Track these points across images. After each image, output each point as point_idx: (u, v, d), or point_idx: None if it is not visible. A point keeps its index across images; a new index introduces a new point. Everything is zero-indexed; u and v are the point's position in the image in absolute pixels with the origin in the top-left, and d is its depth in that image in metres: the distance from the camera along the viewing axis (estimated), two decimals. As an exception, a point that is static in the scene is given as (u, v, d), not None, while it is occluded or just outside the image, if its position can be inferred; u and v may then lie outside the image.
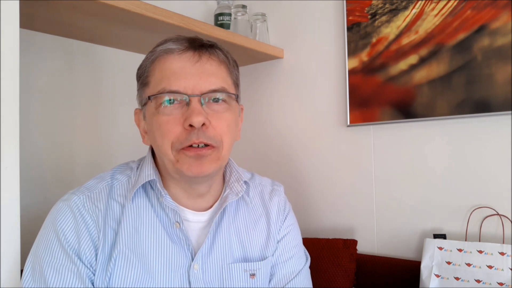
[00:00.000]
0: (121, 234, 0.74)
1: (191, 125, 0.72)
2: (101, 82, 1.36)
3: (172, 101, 0.74)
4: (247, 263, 0.82)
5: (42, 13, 1.06)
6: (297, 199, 1.49)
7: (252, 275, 0.82)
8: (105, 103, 1.36)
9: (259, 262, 0.83)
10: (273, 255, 0.87)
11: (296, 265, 0.89)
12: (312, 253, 0.97)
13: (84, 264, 0.72)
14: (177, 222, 0.77)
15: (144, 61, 0.80)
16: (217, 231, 0.81)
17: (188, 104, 0.73)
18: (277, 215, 0.90)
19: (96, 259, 0.73)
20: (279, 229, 0.90)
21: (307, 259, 0.94)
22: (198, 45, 0.77)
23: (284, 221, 0.91)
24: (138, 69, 0.81)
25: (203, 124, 0.72)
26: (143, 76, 0.79)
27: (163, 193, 0.77)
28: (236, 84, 0.83)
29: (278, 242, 0.89)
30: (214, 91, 0.75)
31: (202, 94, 0.74)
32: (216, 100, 0.76)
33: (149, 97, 0.75)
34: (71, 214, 0.74)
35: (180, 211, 0.79)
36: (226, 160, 0.80)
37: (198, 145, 0.73)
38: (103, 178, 0.80)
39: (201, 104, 0.73)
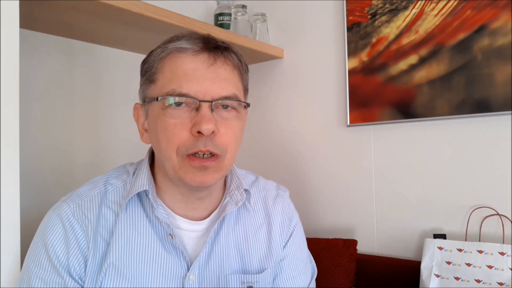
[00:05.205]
0: (113, 245, 0.72)
1: (199, 132, 0.69)
2: (101, 82, 1.36)
3: (180, 103, 0.70)
4: (245, 275, 0.79)
5: (42, 13, 1.06)
6: (297, 199, 1.47)
7: (250, 287, 0.79)
8: (105, 103, 1.36)
9: (258, 275, 0.80)
10: (272, 267, 0.84)
11: (302, 283, 0.87)
12: (312, 253, 0.97)
13: (73, 278, 0.71)
14: (170, 234, 0.74)
15: (151, 56, 0.75)
16: (215, 241, 0.78)
17: (197, 109, 0.70)
18: (281, 228, 0.87)
19: (85, 271, 0.71)
20: (284, 245, 0.87)
21: (313, 275, 0.92)
22: (212, 46, 0.73)
23: (290, 238, 0.88)
24: (144, 63, 0.76)
25: (212, 132, 0.70)
26: (149, 72, 0.74)
27: (155, 205, 0.74)
28: (246, 90, 0.80)
29: (282, 260, 0.86)
30: (226, 98, 0.72)
31: (213, 100, 0.71)
32: (225, 107, 0.73)
33: (157, 98, 0.71)
34: (61, 225, 0.72)
35: (176, 221, 0.76)
36: (229, 169, 0.77)
37: (204, 154, 0.70)
38: (96, 184, 0.77)
39: (211, 110, 0.70)
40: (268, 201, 0.88)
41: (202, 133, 0.69)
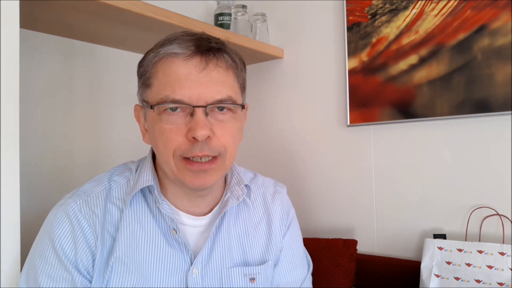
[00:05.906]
0: (119, 240, 0.73)
1: (194, 138, 0.69)
2: (101, 82, 1.36)
3: (175, 108, 0.71)
4: (247, 267, 0.81)
5: (43, 13, 1.06)
6: (297, 199, 1.48)
7: (252, 279, 0.81)
8: (105, 103, 1.36)
9: (259, 266, 0.82)
10: (273, 259, 0.86)
11: (299, 275, 0.89)
12: (312, 253, 0.97)
13: (81, 273, 0.71)
14: (174, 229, 0.75)
15: (146, 59, 0.76)
16: (217, 235, 0.80)
17: (192, 114, 0.70)
18: (281, 221, 0.89)
19: (93, 266, 0.72)
20: (283, 237, 0.89)
21: (309, 268, 0.93)
22: (205, 49, 0.72)
23: (287, 230, 0.90)
24: (140, 67, 0.77)
25: (208, 137, 0.70)
26: (144, 76, 0.75)
27: (160, 200, 0.75)
28: (243, 88, 0.80)
29: (280, 251, 0.88)
30: (220, 101, 0.72)
31: (207, 105, 0.71)
32: (221, 109, 0.73)
33: (151, 106, 0.72)
34: (67, 220, 0.72)
35: (179, 216, 0.78)
36: (229, 168, 0.78)
37: (202, 158, 0.71)
38: (100, 181, 0.78)
39: (206, 115, 0.71)
40: (267, 197, 0.90)
41: (197, 139, 0.69)
